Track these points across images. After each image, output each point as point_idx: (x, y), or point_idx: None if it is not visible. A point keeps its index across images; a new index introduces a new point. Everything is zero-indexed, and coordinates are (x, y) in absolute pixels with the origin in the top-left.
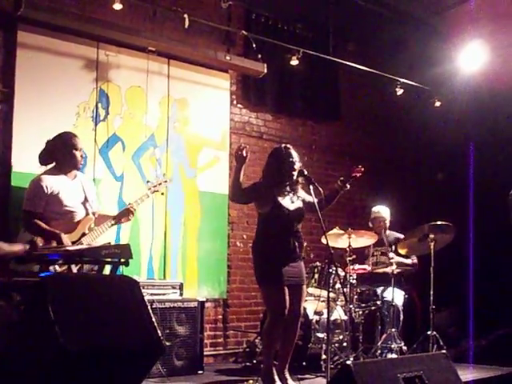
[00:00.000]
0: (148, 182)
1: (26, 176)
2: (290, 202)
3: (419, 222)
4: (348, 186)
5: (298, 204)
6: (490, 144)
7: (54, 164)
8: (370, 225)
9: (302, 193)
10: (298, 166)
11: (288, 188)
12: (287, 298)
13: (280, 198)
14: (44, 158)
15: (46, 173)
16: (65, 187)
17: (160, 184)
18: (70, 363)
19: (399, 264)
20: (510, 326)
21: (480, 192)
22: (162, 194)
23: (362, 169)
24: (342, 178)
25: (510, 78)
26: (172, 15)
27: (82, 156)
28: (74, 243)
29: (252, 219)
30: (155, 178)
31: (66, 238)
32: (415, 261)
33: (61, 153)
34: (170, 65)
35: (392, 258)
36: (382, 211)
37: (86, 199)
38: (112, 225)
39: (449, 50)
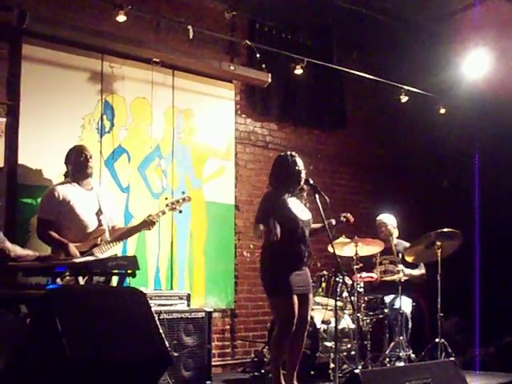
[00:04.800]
0: (166, 198)
1: (32, 188)
2: (299, 210)
3: (426, 230)
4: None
5: (308, 213)
6: (494, 151)
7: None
8: (378, 235)
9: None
10: (304, 174)
11: (294, 195)
12: (296, 307)
13: (292, 207)
14: (65, 176)
15: (60, 183)
16: (78, 197)
17: (179, 202)
18: (77, 375)
19: (408, 275)
20: None
21: (485, 198)
22: (180, 212)
23: (352, 219)
24: (333, 222)
25: None
26: (176, 26)
27: (88, 161)
28: (84, 253)
29: None
30: (165, 190)
31: (74, 248)
32: (423, 271)
33: (70, 163)
34: (175, 76)
35: (401, 270)
36: (384, 218)
37: (100, 211)
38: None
39: (453, 57)
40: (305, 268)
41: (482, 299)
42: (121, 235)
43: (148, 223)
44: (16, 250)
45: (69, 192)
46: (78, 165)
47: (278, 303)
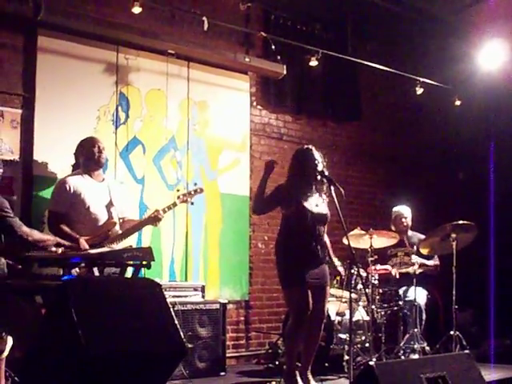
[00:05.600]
0: (178, 190)
1: (47, 180)
2: (315, 204)
3: (441, 222)
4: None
5: (322, 207)
6: (510, 142)
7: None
8: (392, 227)
9: (325, 198)
10: (321, 166)
11: (313, 189)
12: (310, 299)
13: (304, 200)
14: (73, 169)
15: (71, 175)
16: (89, 189)
17: (190, 194)
18: (92, 366)
19: (422, 265)
20: None
21: (501, 190)
22: (192, 203)
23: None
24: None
25: None
26: (191, 18)
27: (101, 152)
28: (95, 246)
29: (273, 220)
30: (183, 185)
31: (83, 242)
32: (437, 262)
33: (82, 155)
34: (190, 67)
35: (415, 261)
36: (403, 210)
37: (111, 203)
38: (136, 231)
39: (468, 49)
40: (322, 263)
41: (497, 291)
42: (131, 229)
43: (154, 219)
44: (34, 234)
45: (80, 184)
46: (91, 155)
47: (291, 295)
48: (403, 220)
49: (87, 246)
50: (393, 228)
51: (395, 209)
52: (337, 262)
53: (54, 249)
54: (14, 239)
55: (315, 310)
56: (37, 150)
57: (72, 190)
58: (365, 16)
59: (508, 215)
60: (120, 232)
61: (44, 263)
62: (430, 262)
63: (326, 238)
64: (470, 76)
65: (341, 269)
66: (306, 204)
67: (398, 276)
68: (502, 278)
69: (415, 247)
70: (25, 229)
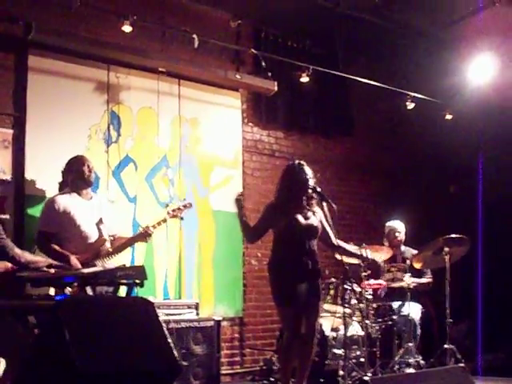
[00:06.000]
0: (167, 205)
1: (39, 199)
2: (304, 218)
3: (433, 236)
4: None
5: (312, 221)
6: (500, 156)
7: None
8: (385, 242)
9: (316, 211)
10: (312, 182)
11: (303, 204)
12: (302, 318)
13: (294, 216)
14: (61, 187)
15: (59, 194)
16: (78, 207)
17: (179, 209)
18: None
19: (415, 284)
20: None
21: (490, 204)
22: (182, 218)
23: None
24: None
25: None
26: (181, 36)
27: (90, 171)
28: (86, 264)
29: (266, 237)
30: (173, 201)
31: (75, 260)
32: (430, 280)
33: (71, 173)
34: (181, 85)
35: (407, 281)
36: (396, 225)
37: (100, 221)
38: (126, 247)
39: (459, 63)
40: (314, 279)
41: (491, 304)
42: (121, 245)
43: (144, 235)
44: (25, 256)
45: (69, 203)
46: (80, 174)
47: (284, 313)
48: (397, 234)
49: (79, 264)
50: (386, 243)
51: (388, 223)
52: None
53: (45, 269)
54: (6, 260)
55: (308, 325)
56: (28, 169)
57: (61, 209)
58: (355, 31)
59: (498, 228)
60: (110, 250)
61: (37, 283)
62: (423, 280)
63: (341, 243)
64: (461, 90)
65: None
66: (295, 220)
67: (382, 295)
68: (493, 290)
69: (408, 262)
70: (17, 250)
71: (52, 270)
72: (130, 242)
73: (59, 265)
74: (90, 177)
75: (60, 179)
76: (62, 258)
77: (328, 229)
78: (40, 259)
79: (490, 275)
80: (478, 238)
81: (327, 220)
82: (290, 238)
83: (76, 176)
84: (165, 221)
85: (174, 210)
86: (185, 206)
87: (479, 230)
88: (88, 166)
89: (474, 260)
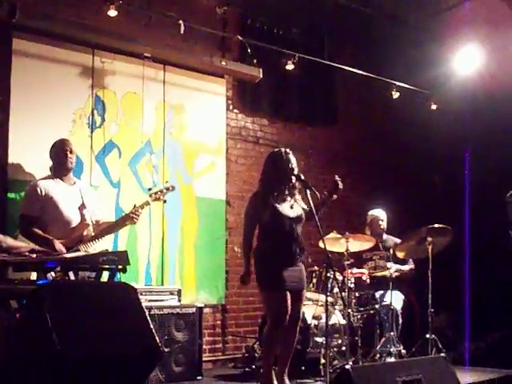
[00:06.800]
0: (149, 189)
1: (22, 184)
2: (290, 207)
3: (416, 226)
4: (335, 197)
5: (298, 210)
6: (486, 146)
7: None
8: (367, 230)
9: (299, 198)
10: (296, 170)
11: (286, 193)
12: (289, 303)
13: (279, 205)
14: (50, 170)
15: (42, 178)
16: (60, 192)
17: (162, 191)
18: (67, 370)
19: (397, 270)
20: (508, 327)
21: (476, 194)
22: (165, 201)
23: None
24: (325, 192)
25: (505, 80)
26: (167, 21)
27: (68, 156)
28: (69, 249)
29: None
30: (156, 185)
31: (59, 244)
32: (412, 266)
33: (53, 158)
34: (166, 71)
35: (389, 268)
36: (379, 213)
37: (83, 205)
38: (111, 232)
39: (444, 53)
40: (299, 264)
41: (473, 294)
42: (105, 229)
43: (132, 216)
44: (7, 240)
45: (51, 187)
46: (58, 160)
47: (270, 298)
48: (380, 223)
49: (63, 248)
50: (367, 232)
51: (371, 212)
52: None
53: (27, 254)
54: None
55: (291, 313)
56: (12, 153)
57: (43, 194)
58: (341, 20)
59: (483, 219)
60: (93, 235)
61: (19, 267)
62: (405, 267)
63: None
64: (446, 80)
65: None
66: (281, 208)
67: (368, 281)
68: (477, 280)
69: (391, 251)
70: None
71: (34, 255)
72: (115, 226)
73: (41, 250)
74: (68, 162)
75: (43, 163)
76: (45, 241)
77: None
78: (22, 244)
79: (475, 266)
80: (464, 228)
81: (310, 208)
82: (276, 228)
83: (56, 161)
84: (148, 204)
85: (156, 193)
86: (167, 189)
87: (465, 220)
88: (65, 152)
89: (459, 250)
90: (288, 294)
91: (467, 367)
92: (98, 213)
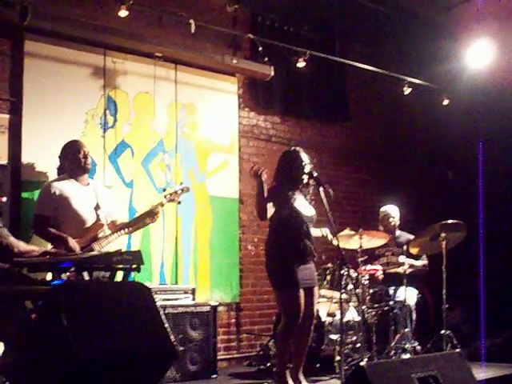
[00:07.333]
0: (164, 190)
1: (35, 184)
2: (303, 206)
3: (430, 222)
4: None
5: (311, 210)
6: (498, 140)
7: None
8: (380, 227)
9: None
10: (308, 168)
11: (299, 191)
12: (302, 301)
13: (294, 203)
14: (59, 172)
15: (56, 179)
16: (74, 192)
17: (176, 193)
18: (83, 371)
19: (410, 266)
20: None
21: (489, 189)
22: (179, 203)
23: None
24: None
25: None
26: (178, 20)
27: (86, 157)
28: (83, 249)
29: (262, 223)
30: (169, 184)
31: (74, 242)
32: (425, 262)
33: (67, 160)
34: (177, 70)
35: (403, 263)
36: (390, 210)
37: (97, 206)
38: (126, 233)
39: (456, 48)
40: (310, 262)
41: (489, 290)
42: (124, 227)
43: (152, 213)
44: (20, 245)
45: (65, 188)
46: (76, 161)
47: (283, 297)
48: (390, 220)
49: (77, 246)
50: (381, 228)
51: (382, 209)
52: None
53: (40, 258)
54: (0, 249)
55: (305, 311)
56: (25, 154)
57: (57, 194)
58: (352, 17)
59: (496, 213)
60: (107, 234)
61: (34, 268)
62: (419, 263)
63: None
64: (458, 75)
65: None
66: (297, 207)
67: (381, 278)
68: (492, 276)
69: (404, 247)
70: (12, 239)
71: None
72: (134, 224)
73: (54, 252)
74: (87, 163)
75: (56, 164)
76: (59, 239)
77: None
78: (34, 248)
79: (490, 261)
80: (478, 223)
81: (323, 205)
82: (290, 226)
83: (72, 162)
84: (162, 205)
85: (171, 194)
86: (182, 190)
87: (480, 215)
88: (84, 153)
89: (473, 246)
90: (301, 291)
91: (482, 363)
92: (114, 213)
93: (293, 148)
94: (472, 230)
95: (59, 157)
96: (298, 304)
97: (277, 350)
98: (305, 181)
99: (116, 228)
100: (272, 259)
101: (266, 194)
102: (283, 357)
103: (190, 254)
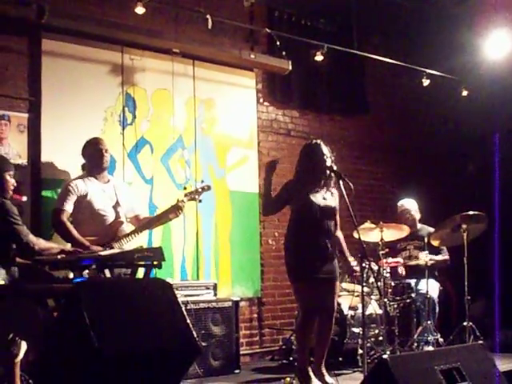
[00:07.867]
0: (185, 188)
1: (55, 183)
2: (322, 198)
3: (449, 213)
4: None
5: (330, 201)
6: None
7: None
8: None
9: (334, 192)
10: (329, 161)
11: (321, 184)
12: (320, 294)
13: (312, 195)
14: (83, 169)
15: (76, 178)
16: (95, 190)
17: (198, 191)
18: (106, 367)
19: (431, 260)
20: None
21: (507, 180)
22: (200, 201)
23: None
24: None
25: None
26: (195, 16)
27: (104, 155)
28: (103, 246)
29: (283, 217)
30: (189, 183)
31: (96, 248)
32: (447, 257)
33: (87, 158)
34: (195, 66)
35: (423, 258)
36: (406, 204)
37: (117, 203)
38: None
39: (474, 39)
40: (330, 256)
41: (505, 282)
42: (148, 223)
43: (176, 208)
44: (40, 243)
45: (86, 186)
46: (93, 159)
47: (300, 289)
48: (407, 215)
49: (94, 247)
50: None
51: (399, 203)
52: (351, 261)
53: (59, 257)
54: (20, 247)
55: (325, 304)
56: (44, 153)
57: (78, 193)
58: (369, 9)
59: None
60: (127, 231)
61: (55, 266)
62: (439, 257)
63: (340, 235)
64: (477, 66)
65: (355, 267)
66: (313, 198)
67: (403, 273)
68: (509, 267)
69: (425, 240)
70: (31, 237)
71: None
72: (158, 219)
73: (71, 250)
74: (103, 161)
75: (76, 162)
76: (81, 247)
77: (337, 216)
78: (53, 245)
79: (508, 252)
80: (495, 215)
81: (344, 199)
82: (307, 218)
83: (91, 160)
84: (183, 202)
85: (191, 193)
86: (203, 189)
87: (496, 207)
88: (100, 151)
89: (492, 237)
90: (319, 284)
91: (506, 354)
92: (137, 207)
93: (314, 141)
94: (492, 221)
95: (82, 154)
96: (312, 297)
97: (296, 343)
98: (326, 174)
99: (140, 224)
100: (288, 251)
101: (271, 190)
102: (303, 351)
103: (211, 249)
